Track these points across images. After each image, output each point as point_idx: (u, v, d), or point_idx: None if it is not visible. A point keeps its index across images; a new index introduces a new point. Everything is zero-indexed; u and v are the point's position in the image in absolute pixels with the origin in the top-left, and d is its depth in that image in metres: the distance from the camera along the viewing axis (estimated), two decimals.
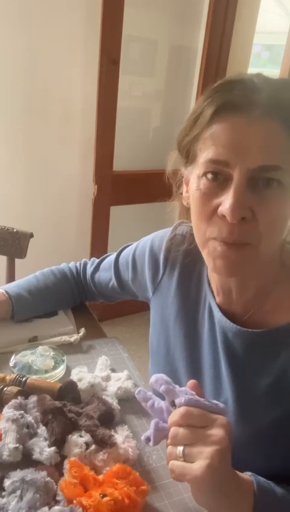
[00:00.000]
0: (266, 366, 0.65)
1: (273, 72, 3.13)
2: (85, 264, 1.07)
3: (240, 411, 0.67)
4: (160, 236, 0.86)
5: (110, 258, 0.99)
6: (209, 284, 0.74)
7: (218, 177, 0.57)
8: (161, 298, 0.83)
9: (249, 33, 2.43)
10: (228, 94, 0.56)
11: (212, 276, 0.72)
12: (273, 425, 0.64)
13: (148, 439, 0.60)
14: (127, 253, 0.93)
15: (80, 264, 1.08)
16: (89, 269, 1.04)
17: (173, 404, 0.58)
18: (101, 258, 1.04)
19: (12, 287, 0.97)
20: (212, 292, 0.74)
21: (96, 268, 1.02)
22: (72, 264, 1.08)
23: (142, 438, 0.61)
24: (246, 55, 2.47)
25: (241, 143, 0.54)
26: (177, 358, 0.78)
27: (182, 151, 0.65)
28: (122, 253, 0.96)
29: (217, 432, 0.52)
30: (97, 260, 1.04)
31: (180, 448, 0.53)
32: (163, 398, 0.60)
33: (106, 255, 1.03)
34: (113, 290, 0.99)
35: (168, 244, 0.82)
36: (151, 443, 0.59)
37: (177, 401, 0.57)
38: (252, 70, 2.74)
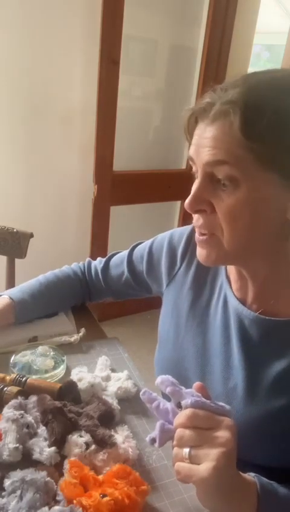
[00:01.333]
0: (279, 354, 0.66)
1: None
2: (90, 263, 1.08)
3: (248, 397, 0.68)
4: (179, 232, 0.89)
5: (122, 255, 1.01)
6: (226, 274, 0.77)
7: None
8: (175, 290, 0.85)
9: (249, 33, 2.43)
10: (200, 101, 0.61)
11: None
12: (281, 413, 0.65)
13: (153, 441, 0.60)
14: (143, 247, 0.96)
15: (84, 264, 1.09)
16: (98, 266, 1.04)
17: (179, 406, 0.58)
18: (109, 255, 1.05)
19: (16, 291, 0.97)
20: (229, 282, 0.76)
21: (106, 264, 1.03)
22: (74, 265, 1.09)
23: (147, 439, 0.61)
24: (246, 55, 2.47)
25: (200, 141, 0.60)
26: (186, 346, 0.79)
27: None
28: (136, 249, 0.98)
29: (223, 434, 0.53)
30: (104, 258, 1.05)
31: (186, 450, 0.53)
32: (169, 399, 0.60)
33: (113, 252, 1.04)
34: (126, 285, 0.99)
35: (188, 239, 0.85)
36: (156, 444, 0.59)
37: (183, 402, 0.57)
38: (252, 70, 2.73)
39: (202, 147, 0.59)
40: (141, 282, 0.96)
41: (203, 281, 0.80)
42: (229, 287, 0.75)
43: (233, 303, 0.73)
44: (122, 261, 0.99)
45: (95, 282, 1.05)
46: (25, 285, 1.00)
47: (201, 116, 0.60)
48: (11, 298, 0.94)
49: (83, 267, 1.08)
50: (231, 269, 0.76)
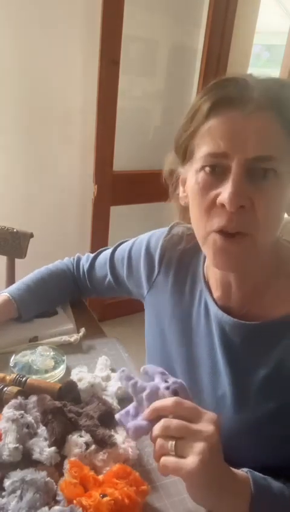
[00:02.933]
0: (263, 357, 0.66)
1: (273, 72, 3.13)
2: (78, 260, 1.07)
3: (237, 403, 0.68)
4: (156, 236, 0.87)
5: (106, 254, 1.00)
6: (205, 281, 0.75)
7: (216, 170, 0.59)
8: (156, 297, 0.84)
9: (249, 33, 2.43)
10: (223, 90, 0.58)
11: (212, 271, 0.73)
12: (271, 416, 0.65)
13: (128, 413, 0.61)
14: (123, 249, 0.94)
15: (74, 259, 1.08)
16: (85, 265, 1.04)
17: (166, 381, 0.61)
18: (96, 253, 1.04)
19: (13, 289, 0.97)
20: (208, 288, 0.74)
21: (92, 264, 1.03)
22: (66, 259, 1.09)
23: (122, 413, 0.62)
24: (246, 55, 2.47)
25: (238, 135, 0.56)
26: (173, 356, 0.79)
27: (180, 150, 0.67)
28: (118, 249, 0.97)
29: (206, 428, 0.54)
30: (92, 256, 1.04)
31: (172, 442, 0.54)
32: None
33: (100, 250, 1.04)
34: (109, 287, 0.99)
35: (164, 244, 0.84)
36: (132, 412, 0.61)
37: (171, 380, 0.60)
38: (252, 70, 2.73)
39: (244, 138, 0.56)
40: (123, 286, 0.96)
41: (182, 286, 0.79)
42: (209, 294, 0.74)
43: (213, 309, 0.72)
44: (106, 262, 0.98)
45: (82, 281, 1.05)
46: (20, 281, 1.00)
47: (233, 105, 0.57)
48: (8, 295, 0.94)
49: (73, 262, 1.08)
50: (212, 275, 0.73)
